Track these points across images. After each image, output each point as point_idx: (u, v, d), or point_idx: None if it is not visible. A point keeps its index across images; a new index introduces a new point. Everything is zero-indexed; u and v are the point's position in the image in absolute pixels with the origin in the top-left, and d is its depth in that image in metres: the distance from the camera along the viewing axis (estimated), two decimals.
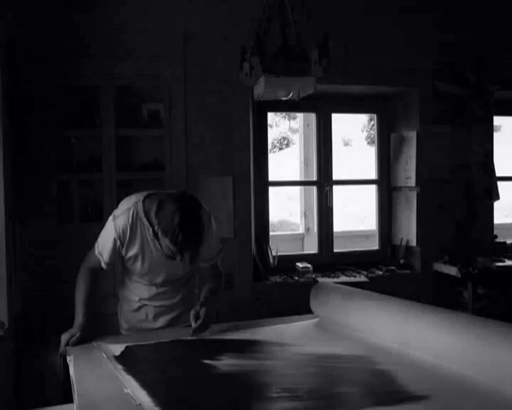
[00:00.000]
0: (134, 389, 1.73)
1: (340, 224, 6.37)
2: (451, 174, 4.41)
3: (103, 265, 2.45)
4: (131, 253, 2.42)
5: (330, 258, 4.55)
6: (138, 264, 2.46)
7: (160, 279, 2.54)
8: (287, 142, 13.27)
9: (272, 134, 12.27)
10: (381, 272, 4.31)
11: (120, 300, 2.71)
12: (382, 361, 2.02)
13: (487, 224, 4.60)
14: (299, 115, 6.60)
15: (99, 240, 2.47)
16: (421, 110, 4.36)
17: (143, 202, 2.40)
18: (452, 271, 4.10)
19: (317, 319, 2.67)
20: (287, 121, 13.21)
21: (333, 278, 4.14)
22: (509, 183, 5.24)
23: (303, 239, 6.90)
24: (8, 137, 2.99)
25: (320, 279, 4.03)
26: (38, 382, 3.25)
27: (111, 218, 2.43)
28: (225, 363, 2.04)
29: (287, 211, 9.96)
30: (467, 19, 4.32)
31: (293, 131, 13.31)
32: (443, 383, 1.80)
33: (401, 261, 4.44)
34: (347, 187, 5.39)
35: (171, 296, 2.61)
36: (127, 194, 3.81)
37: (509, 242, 4.80)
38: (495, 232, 4.69)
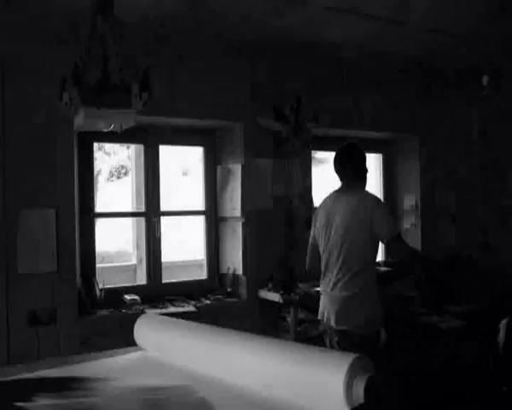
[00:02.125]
0: None
1: (172, 253, 6.41)
2: (273, 205, 4.64)
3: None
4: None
5: (159, 288, 4.54)
6: None
7: None
8: (125, 170, 13.07)
9: (111, 162, 12.02)
10: (208, 301, 4.39)
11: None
12: (202, 390, 2.05)
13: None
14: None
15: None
16: (246, 144, 4.56)
17: None
18: (275, 297, 4.30)
19: (141, 352, 2.64)
20: (125, 149, 12.99)
21: (161, 308, 4.14)
22: None
23: (135, 270, 6.81)
24: None
25: (148, 311, 4.01)
26: None
27: None
28: (41, 404, 1.95)
29: (127, 241, 9.74)
30: (288, 57, 4.61)
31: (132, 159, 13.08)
32: (260, 408, 1.86)
33: (228, 290, 4.56)
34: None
35: None
36: None
37: None
38: None
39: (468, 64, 4.74)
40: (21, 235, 3.64)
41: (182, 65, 4.17)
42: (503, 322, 4.19)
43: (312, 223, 3.69)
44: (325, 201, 3.62)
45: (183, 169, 12.74)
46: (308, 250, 3.72)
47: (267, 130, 4.59)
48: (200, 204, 4.89)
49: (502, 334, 4.14)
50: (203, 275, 4.89)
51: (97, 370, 2.37)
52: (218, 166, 4.77)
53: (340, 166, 3.50)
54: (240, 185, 4.52)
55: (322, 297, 3.57)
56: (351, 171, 3.46)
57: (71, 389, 2.15)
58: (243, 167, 4.52)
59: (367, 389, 1.35)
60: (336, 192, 3.57)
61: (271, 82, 4.60)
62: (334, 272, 3.40)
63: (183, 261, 7.49)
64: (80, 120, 2.54)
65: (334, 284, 3.40)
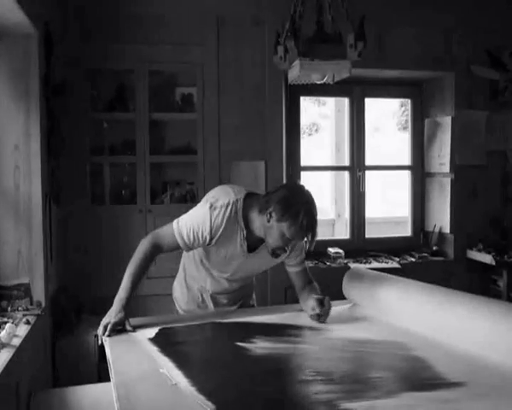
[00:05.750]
0: (170, 369, 1.75)
1: (370, 210, 6.34)
2: (487, 161, 4.34)
3: (182, 245, 2.31)
4: (215, 247, 2.34)
5: (362, 244, 4.52)
6: (217, 255, 2.39)
7: (229, 274, 2.47)
8: (316, 128, 13.19)
9: (302, 119, 12.17)
10: (413, 259, 4.27)
11: (180, 283, 2.67)
12: (417, 347, 2.01)
13: None
14: (329, 101, 6.55)
15: (184, 221, 2.31)
16: (457, 95, 4.29)
17: (244, 200, 2.30)
18: (487, 259, 4.05)
19: (350, 305, 2.66)
20: (316, 107, 13.10)
21: (365, 263, 4.12)
22: None
23: (333, 225, 6.86)
24: (45, 121, 3.02)
25: (352, 265, 4.01)
26: (73, 360, 3.31)
27: (207, 206, 2.27)
28: (259, 346, 2.05)
29: (322, 196, 9.86)
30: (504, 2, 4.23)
31: (322, 116, 13.17)
32: (479, 370, 1.78)
33: (434, 248, 4.39)
34: (378, 173, 5.33)
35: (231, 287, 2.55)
36: (160, 177, 3.88)
37: None
38: None
39: None
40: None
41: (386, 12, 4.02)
42: None
43: None
44: None
45: (374, 126, 12.46)
46: None
47: (481, 79, 4.27)
48: (397, 160, 4.73)
49: None
50: (406, 232, 4.76)
51: (308, 319, 2.44)
52: (426, 119, 4.56)
53: None
54: (449, 139, 4.28)
55: None
56: None
57: (285, 335, 2.24)
58: (453, 120, 4.27)
59: None
60: None
61: (485, 26, 4.25)
62: None
63: (378, 218, 7.38)
64: (295, 73, 2.55)
65: None
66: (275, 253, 2.28)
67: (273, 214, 2.17)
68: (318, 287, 2.52)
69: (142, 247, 2.30)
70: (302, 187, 2.24)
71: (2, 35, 2.78)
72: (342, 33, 2.53)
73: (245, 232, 2.30)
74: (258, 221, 2.26)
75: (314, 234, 2.17)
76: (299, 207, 2.11)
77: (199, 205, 2.35)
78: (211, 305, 2.59)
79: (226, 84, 3.86)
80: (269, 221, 2.19)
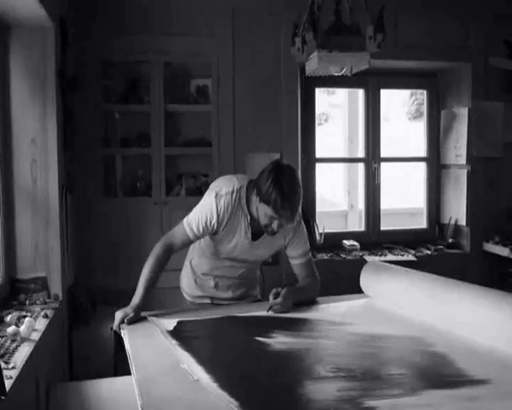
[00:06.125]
0: (191, 364, 1.74)
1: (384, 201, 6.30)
2: (503, 152, 4.29)
3: (192, 237, 2.41)
4: (222, 233, 2.43)
5: (377, 236, 4.50)
6: (224, 243, 2.48)
7: (234, 259, 2.56)
8: (326, 117, 13.11)
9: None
10: (429, 252, 4.24)
11: (186, 270, 2.75)
12: (436, 343, 1.99)
13: None
14: (340, 90, 6.50)
15: (192, 214, 2.42)
16: (474, 86, 4.24)
17: (247, 187, 2.40)
18: (504, 251, 4.01)
19: (367, 299, 2.65)
20: (326, 96, 12.97)
21: (380, 256, 4.10)
22: None
23: (346, 216, 6.83)
24: (61, 114, 3.02)
25: (367, 258, 4.00)
26: (89, 351, 3.32)
27: (213, 194, 2.38)
28: (278, 341, 2.04)
29: (333, 187, 9.82)
30: None
31: (332, 106, 13.09)
32: (502, 367, 1.75)
33: (449, 241, 4.36)
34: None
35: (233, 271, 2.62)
36: (175, 169, 3.87)
37: None
38: None
39: None
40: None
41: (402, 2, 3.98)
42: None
43: None
44: None
45: (383, 115, 12.32)
46: None
47: (497, 70, 4.21)
48: (407, 150, 4.69)
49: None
50: (421, 224, 4.73)
51: (327, 313, 2.43)
52: (442, 111, 4.52)
53: None
54: (466, 130, 4.24)
55: None
56: None
57: (304, 330, 2.23)
58: (470, 111, 4.22)
59: None
60: None
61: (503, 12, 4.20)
62: None
63: (392, 209, 7.34)
64: (313, 65, 2.52)
65: None
66: (267, 230, 2.35)
67: (256, 196, 2.30)
68: (318, 282, 2.58)
69: (154, 252, 2.39)
70: (280, 169, 2.28)
71: (19, 27, 2.78)
72: (360, 24, 2.51)
73: (249, 218, 2.40)
74: (253, 204, 2.36)
75: (291, 213, 2.26)
76: (273, 190, 2.20)
77: (204, 196, 2.47)
78: (214, 290, 2.65)
79: (241, 75, 3.84)
80: (255, 202, 2.32)
